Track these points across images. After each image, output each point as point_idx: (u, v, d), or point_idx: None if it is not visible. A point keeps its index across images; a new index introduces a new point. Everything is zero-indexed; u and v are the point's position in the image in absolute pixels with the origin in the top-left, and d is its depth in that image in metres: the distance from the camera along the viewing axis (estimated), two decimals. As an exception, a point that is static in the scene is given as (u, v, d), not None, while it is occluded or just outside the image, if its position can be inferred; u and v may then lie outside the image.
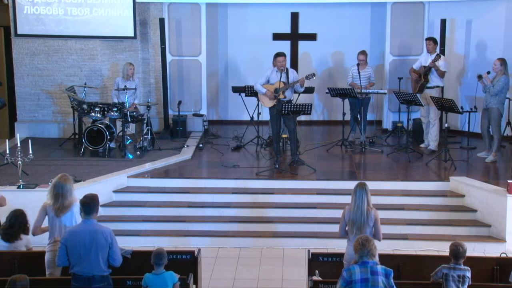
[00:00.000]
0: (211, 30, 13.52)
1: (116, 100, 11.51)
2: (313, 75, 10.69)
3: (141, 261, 6.68)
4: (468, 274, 6.11)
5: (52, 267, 6.65)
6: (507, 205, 8.78)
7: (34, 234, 6.84)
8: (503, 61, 10.54)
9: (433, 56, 11.19)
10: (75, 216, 6.63)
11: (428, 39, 11.51)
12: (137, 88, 11.79)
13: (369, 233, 6.55)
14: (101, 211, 8.61)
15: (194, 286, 6.80)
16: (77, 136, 11.77)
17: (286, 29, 13.75)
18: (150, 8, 12.86)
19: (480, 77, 10.69)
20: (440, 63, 11.17)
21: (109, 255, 6.10)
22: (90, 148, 11.02)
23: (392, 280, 5.74)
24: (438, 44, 11.60)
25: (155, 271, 6.11)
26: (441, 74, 11.24)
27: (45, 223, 6.85)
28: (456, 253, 6.09)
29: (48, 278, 6.53)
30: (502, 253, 7.68)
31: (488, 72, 10.67)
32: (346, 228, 6.71)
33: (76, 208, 6.61)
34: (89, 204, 6.14)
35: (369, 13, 13.67)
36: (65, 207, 6.60)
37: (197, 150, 11.65)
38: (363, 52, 11.88)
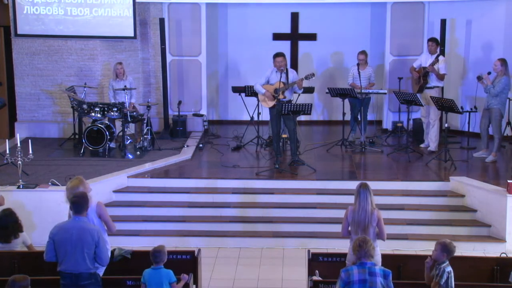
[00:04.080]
0: (211, 30, 13.52)
1: (113, 101, 11.51)
2: (313, 75, 10.70)
3: (141, 261, 6.68)
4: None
5: None
6: (507, 205, 8.77)
7: None
8: (503, 62, 10.50)
9: (434, 57, 11.20)
10: (92, 219, 6.55)
11: (430, 40, 11.47)
12: (134, 87, 11.76)
13: (372, 233, 6.57)
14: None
15: (194, 286, 6.81)
16: (77, 136, 11.76)
17: (286, 29, 13.75)
18: (150, 8, 12.85)
19: (479, 78, 10.67)
20: (441, 66, 11.17)
21: (96, 253, 6.07)
22: (90, 148, 11.02)
23: (390, 281, 5.73)
24: (439, 45, 11.59)
25: (153, 266, 6.17)
26: (440, 77, 11.24)
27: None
28: (452, 250, 6.08)
29: (48, 278, 6.52)
30: (502, 253, 7.69)
31: (489, 73, 10.64)
32: (349, 229, 6.71)
33: (91, 211, 6.54)
34: (78, 202, 6.14)
35: (369, 13, 13.67)
36: None
37: (197, 150, 11.64)
38: (363, 52, 11.88)
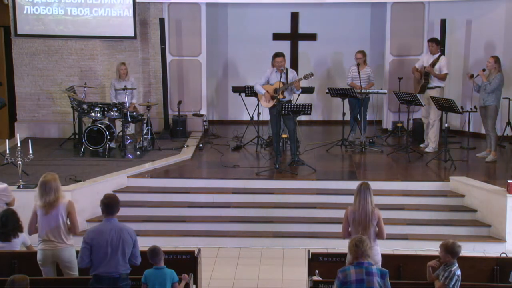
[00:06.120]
0: (211, 30, 13.51)
1: (114, 101, 11.52)
2: (311, 74, 10.69)
3: (141, 261, 6.67)
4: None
5: (42, 265, 6.67)
6: (507, 205, 8.78)
7: (30, 234, 6.87)
8: (497, 59, 10.60)
9: (435, 57, 11.20)
10: (61, 215, 6.64)
11: (430, 40, 11.46)
12: (134, 87, 11.77)
13: (372, 233, 6.59)
14: (101, 211, 8.61)
15: (194, 286, 6.81)
16: (77, 136, 11.76)
17: (286, 29, 13.75)
18: (150, 8, 12.85)
19: (471, 76, 10.72)
20: (442, 64, 11.17)
21: (133, 253, 6.14)
22: (90, 148, 11.02)
23: (388, 281, 5.72)
24: (440, 45, 11.58)
25: (155, 265, 6.15)
26: (441, 77, 11.24)
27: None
28: (456, 250, 6.05)
29: (48, 278, 6.52)
30: (502, 253, 7.68)
31: (483, 70, 10.70)
32: (349, 229, 6.71)
33: (62, 207, 6.64)
34: (111, 204, 6.18)
35: (369, 13, 13.68)
36: (50, 205, 6.61)
37: (197, 150, 11.64)
38: (360, 51, 11.87)
